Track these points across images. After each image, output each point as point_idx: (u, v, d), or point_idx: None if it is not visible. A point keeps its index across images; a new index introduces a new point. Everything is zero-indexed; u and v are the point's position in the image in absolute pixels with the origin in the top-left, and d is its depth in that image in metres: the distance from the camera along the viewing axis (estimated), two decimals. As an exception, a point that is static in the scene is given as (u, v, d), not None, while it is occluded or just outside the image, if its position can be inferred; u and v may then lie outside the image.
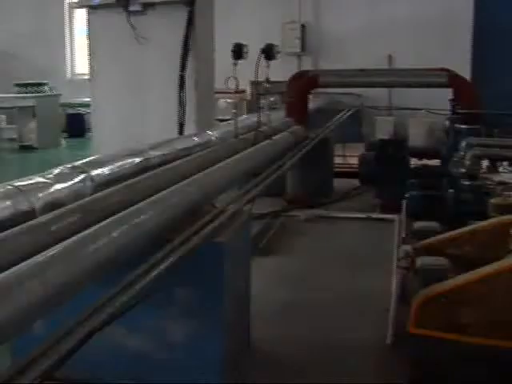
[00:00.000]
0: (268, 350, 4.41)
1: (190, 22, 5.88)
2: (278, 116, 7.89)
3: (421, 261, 3.57)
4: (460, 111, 7.73)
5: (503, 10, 14.80)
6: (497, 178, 8.68)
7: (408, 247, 3.85)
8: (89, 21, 6.36)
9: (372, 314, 4.89)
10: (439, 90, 9.20)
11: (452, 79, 8.84)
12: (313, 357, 4.33)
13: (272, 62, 6.29)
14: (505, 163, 9.60)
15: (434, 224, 4.32)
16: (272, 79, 6.50)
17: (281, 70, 9.75)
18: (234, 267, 3.98)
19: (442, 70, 9.39)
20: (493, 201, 4.33)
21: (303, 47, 15.23)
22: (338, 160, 9.94)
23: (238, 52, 5.70)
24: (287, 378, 4.06)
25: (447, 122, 8.20)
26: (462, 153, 6.06)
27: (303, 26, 15.17)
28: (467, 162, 5.71)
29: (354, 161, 8.74)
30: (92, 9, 6.26)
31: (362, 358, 4.31)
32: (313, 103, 10.20)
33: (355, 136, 12.41)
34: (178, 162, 4.46)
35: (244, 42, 5.77)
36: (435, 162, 8.34)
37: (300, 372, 4.13)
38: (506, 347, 3.45)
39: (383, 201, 8.00)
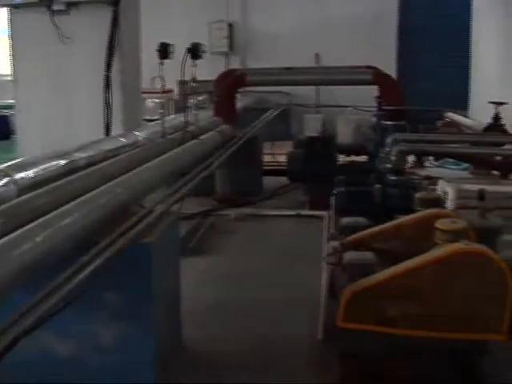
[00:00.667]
0: (200, 350, 4.40)
1: (115, 21, 5.83)
2: (206, 115, 7.89)
3: (348, 256, 3.61)
4: (385, 108, 7.85)
5: (426, 10, 15.17)
6: (423, 172, 8.90)
7: (336, 243, 3.89)
8: (11, 20, 6.23)
9: (304, 310, 4.93)
10: (366, 87, 9.35)
11: (377, 77, 8.99)
12: (245, 355, 4.34)
13: (200, 62, 6.28)
14: (430, 158, 9.86)
15: (360, 219, 4.37)
16: (200, 78, 6.50)
17: (209, 70, 9.77)
18: (163, 268, 3.96)
19: (368, 67, 9.55)
20: (418, 195, 4.41)
21: (231, 46, 15.23)
22: (267, 158, 9.99)
23: (164, 51, 5.68)
24: (220, 377, 4.06)
25: (374, 119, 8.33)
26: (388, 149, 6.15)
27: (231, 26, 15.17)
28: (393, 158, 5.79)
29: (283, 159, 8.79)
30: (14, 8, 6.14)
31: (293, 355, 4.34)
32: (241, 102, 10.23)
33: (284, 134, 12.50)
34: (105, 163, 4.42)
35: (171, 42, 5.75)
36: (363, 159, 8.47)
37: (232, 370, 4.14)
38: (433, 338, 3.53)
39: (312, 198, 8.07)
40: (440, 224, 3.54)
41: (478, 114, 12.43)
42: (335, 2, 14.82)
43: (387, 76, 8.98)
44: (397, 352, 3.69)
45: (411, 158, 9.15)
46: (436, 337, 3.52)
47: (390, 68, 13.19)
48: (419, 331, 3.51)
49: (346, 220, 4.41)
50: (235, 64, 14.58)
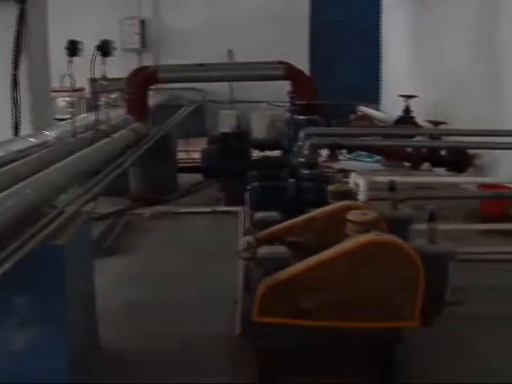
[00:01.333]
0: (117, 350, 4.34)
1: (22, 19, 5.67)
2: (119, 114, 7.78)
3: (262, 251, 3.63)
4: (298, 103, 7.92)
5: (338, 6, 15.37)
6: (337, 165, 9.04)
7: (250, 238, 3.90)
8: None
9: (222, 306, 4.92)
10: (280, 82, 9.42)
11: (289, 72, 9.07)
12: (163, 353, 4.30)
13: (112, 59, 6.19)
14: (344, 151, 10.00)
15: (274, 214, 4.40)
16: (112, 76, 6.40)
17: (121, 67, 9.64)
18: (76, 269, 3.88)
19: (280, 63, 9.60)
20: (330, 188, 4.47)
21: (143, 43, 15.07)
22: (181, 155, 9.93)
23: (73, 49, 5.56)
24: (137, 376, 4.01)
25: (287, 114, 8.41)
26: (301, 143, 6.21)
27: (143, 22, 15.01)
28: (306, 152, 5.85)
29: (198, 156, 8.75)
30: None
31: (211, 351, 4.33)
32: (154, 99, 10.15)
33: (199, 131, 12.48)
34: (15, 164, 4.30)
35: (82, 39, 5.63)
36: (277, 153, 8.53)
37: (149, 369, 4.10)
38: (348, 328, 3.58)
39: (227, 194, 8.06)
40: (351, 216, 3.60)
41: (390, 108, 12.70)
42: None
43: (299, 71, 9.07)
44: (313, 344, 3.74)
45: (325, 152, 9.27)
46: (351, 327, 3.57)
47: (303, 63, 13.34)
48: (334, 322, 3.55)
49: (259, 215, 4.42)
50: (148, 61, 14.44)
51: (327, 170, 7.15)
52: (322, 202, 4.57)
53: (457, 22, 9.90)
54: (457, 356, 4.23)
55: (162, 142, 7.59)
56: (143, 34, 15.08)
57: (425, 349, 4.19)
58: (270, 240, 4.05)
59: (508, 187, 7.35)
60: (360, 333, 3.61)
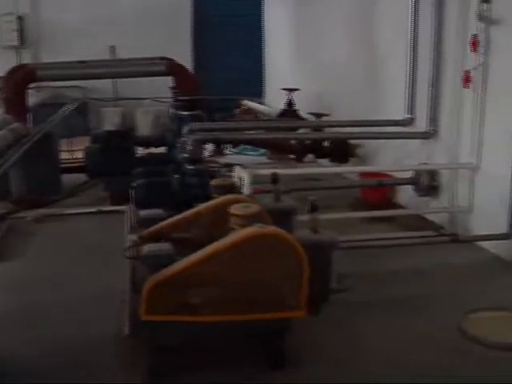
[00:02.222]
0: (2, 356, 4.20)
1: None
2: (-4, 114, 7.52)
3: (146, 248, 3.59)
4: (181, 98, 7.88)
5: (220, 1, 15.41)
6: (223, 160, 9.06)
7: (134, 236, 3.86)
8: None
9: (110, 306, 4.83)
10: (165, 78, 9.34)
11: (172, 67, 9.02)
12: (52, 357, 4.20)
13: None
14: (229, 145, 10.05)
15: (158, 211, 4.37)
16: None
17: (-1, 65, 9.33)
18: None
19: (162, 58, 9.53)
20: (213, 182, 4.47)
21: (22, 40, 14.59)
22: (64, 155, 9.68)
23: None
24: (27, 379, 3.90)
25: (171, 110, 8.35)
26: (185, 138, 6.19)
27: (20, 18, 14.53)
28: (189, 147, 5.84)
29: (82, 155, 8.55)
30: None
31: (100, 352, 4.25)
32: (35, 98, 9.86)
33: (82, 129, 12.19)
34: None
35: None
36: (162, 150, 8.46)
37: (38, 375, 3.99)
38: (236, 321, 3.60)
39: (112, 193, 7.92)
40: (234, 209, 3.62)
41: (273, 101, 12.85)
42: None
43: (181, 66, 9.03)
44: (203, 339, 3.74)
45: (211, 147, 9.29)
46: (239, 320, 3.59)
47: (187, 58, 13.31)
48: (222, 316, 3.56)
49: (144, 212, 4.38)
50: (27, 58, 14.01)
51: (212, 164, 7.15)
52: (207, 197, 4.57)
53: (336, 15, 10.12)
54: (343, 341, 4.34)
55: (43, 141, 7.35)
56: (21, 30, 14.61)
57: (313, 336, 4.27)
58: (156, 237, 4.02)
59: (388, 175, 7.60)
60: (249, 325, 3.63)
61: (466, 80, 6.25)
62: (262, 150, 10.39)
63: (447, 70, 6.74)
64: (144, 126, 12.97)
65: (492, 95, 6.06)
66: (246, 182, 5.14)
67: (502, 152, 5.84)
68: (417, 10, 7.18)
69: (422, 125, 7.14)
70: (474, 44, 6.08)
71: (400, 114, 7.44)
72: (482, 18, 5.98)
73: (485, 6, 5.95)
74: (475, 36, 6.07)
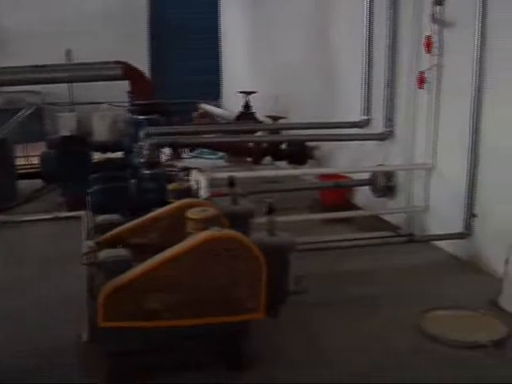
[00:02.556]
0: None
1: None
2: None
3: (102, 254, 3.56)
4: (137, 102, 7.82)
5: (176, 3, 15.37)
6: (181, 164, 9.03)
7: (91, 242, 3.82)
8: None
9: (70, 313, 4.77)
10: (121, 82, 9.26)
11: (127, 71, 8.92)
12: (8, 365, 4.13)
13: None
14: (187, 149, 10.02)
15: (115, 216, 4.33)
16: None
17: None
18: None
19: (118, 62, 9.44)
20: (170, 187, 4.45)
21: (-26, 44, 14.39)
22: (20, 161, 9.55)
23: None
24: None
25: (128, 114, 8.28)
26: (141, 143, 6.15)
27: (-29, 22, 14.32)
28: (146, 152, 5.81)
29: (38, 160, 8.44)
30: None
31: (59, 359, 4.19)
32: (-12, 104, 9.73)
33: (38, 135, 12.04)
34: None
35: None
36: (119, 155, 8.39)
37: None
38: (195, 325, 3.58)
39: (69, 198, 7.83)
40: (191, 214, 3.60)
41: (231, 104, 12.85)
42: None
43: (136, 70, 8.94)
44: (163, 343, 3.71)
45: (169, 151, 9.25)
46: (199, 324, 3.58)
47: (144, 62, 13.26)
48: (181, 321, 3.55)
49: (100, 218, 4.34)
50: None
51: (170, 168, 7.11)
52: (164, 202, 4.55)
53: (292, 17, 10.15)
54: (301, 342, 4.35)
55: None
56: (-28, 34, 14.39)
57: (271, 337, 4.27)
58: (113, 243, 3.99)
59: (345, 176, 7.65)
60: (208, 328, 3.62)
61: (421, 81, 6.32)
62: (220, 154, 10.38)
63: (402, 72, 6.81)
64: (100, 130, 12.79)
65: (446, 95, 6.14)
66: (202, 185, 5.13)
67: (457, 152, 5.91)
68: (372, 12, 7.25)
69: (378, 126, 7.21)
70: (428, 45, 6.15)
71: (357, 115, 7.49)
72: (435, 20, 6.06)
73: (438, 8, 6.03)
74: (429, 37, 6.14)
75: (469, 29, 5.61)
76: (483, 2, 5.48)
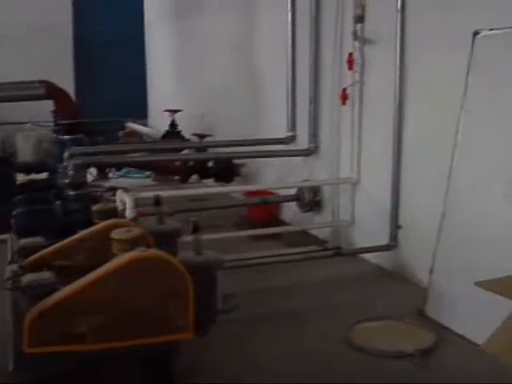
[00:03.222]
0: None
1: None
2: None
3: (25, 279, 3.48)
4: (61, 122, 7.73)
5: (101, 22, 15.29)
6: (107, 183, 8.93)
7: (14, 266, 3.74)
8: None
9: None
10: (46, 101, 9.12)
11: (51, 91, 8.80)
12: None
13: None
14: (113, 169, 9.92)
15: (39, 239, 4.25)
16: None
17: None
18: None
19: (41, 82, 9.31)
20: (94, 208, 4.40)
21: None
22: None
23: None
24: None
25: (53, 134, 8.16)
26: (66, 163, 6.08)
27: None
28: (71, 172, 5.73)
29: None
30: None
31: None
32: None
33: (-41, 156, 11.76)
34: None
35: None
36: (44, 175, 8.24)
37: None
38: (123, 347, 3.54)
39: (-8, 221, 7.66)
40: (115, 234, 3.57)
41: (157, 123, 12.82)
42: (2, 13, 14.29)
43: (60, 90, 8.83)
44: (90, 367, 3.65)
45: (95, 171, 9.14)
46: (127, 345, 3.54)
47: (69, 80, 13.11)
48: (109, 343, 3.50)
49: (24, 241, 4.25)
50: None
51: (96, 188, 7.02)
52: (89, 223, 4.49)
53: (217, 35, 10.22)
54: (232, 358, 4.38)
55: None
56: None
57: (202, 355, 4.27)
58: (37, 266, 3.91)
59: (272, 193, 7.72)
60: (137, 349, 3.59)
61: (344, 97, 6.44)
62: (147, 173, 10.33)
63: (326, 88, 6.93)
64: (24, 151, 12.58)
65: (368, 111, 6.28)
66: (128, 205, 5.09)
67: (381, 166, 6.04)
68: (295, 30, 7.37)
69: (303, 142, 7.30)
70: (350, 62, 6.29)
71: (282, 132, 7.57)
72: (356, 37, 6.19)
73: (359, 26, 6.17)
74: (351, 55, 6.28)
75: (389, 45, 5.77)
76: (402, 20, 5.64)
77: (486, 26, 4.67)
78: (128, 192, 5.45)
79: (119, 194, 5.34)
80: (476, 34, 4.74)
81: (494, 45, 4.65)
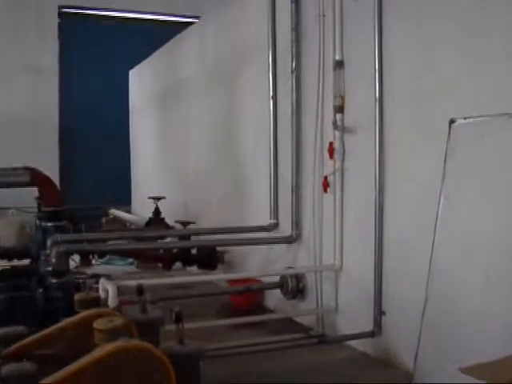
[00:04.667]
0: None
1: None
2: None
3: (5, 369, 3.43)
4: (45, 209, 7.76)
5: (86, 110, 15.55)
6: (90, 270, 8.89)
7: (-6, 356, 3.68)
8: None
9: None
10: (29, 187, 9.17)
11: (35, 178, 8.86)
12: None
13: None
14: (96, 256, 9.89)
15: (20, 328, 4.20)
16: None
17: None
18: None
19: (26, 168, 9.37)
20: (76, 297, 4.37)
21: None
22: None
23: None
24: None
25: (36, 221, 8.18)
26: (49, 251, 6.07)
27: None
28: (53, 260, 5.73)
29: None
30: None
31: None
32: None
33: None
34: None
35: None
36: (26, 262, 8.20)
37: None
38: None
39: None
40: (97, 324, 3.54)
41: (141, 209, 12.86)
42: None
43: (45, 177, 8.90)
44: None
45: (78, 257, 9.12)
46: None
47: (54, 166, 13.21)
48: None
49: (4, 330, 4.20)
50: None
51: (79, 276, 7.00)
52: (72, 311, 4.46)
53: (200, 123, 10.40)
54: None
55: None
56: None
57: None
58: (18, 356, 3.85)
59: (256, 280, 7.70)
60: None
61: (325, 185, 6.53)
62: (130, 259, 10.30)
63: (308, 177, 7.01)
64: (7, 236, 12.55)
65: (350, 198, 6.36)
66: (111, 294, 5.06)
67: (363, 252, 6.08)
68: (276, 120, 7.51)
69: (286, 229, 7.34)
70: (331, 151, 6.41)
71: (265, 219, 7.62)
72: (337, 126, 6.33)
73: (339, 115, 6.32)
74: (331, 144, 6.40)
75: (368, 134, 5.90)
76: (380, 108, 5.79)
77: (462, 115, 4.81)
78: (111, 280, 5.43)
79: (102, 282, 5.32)
80: (452, 122, 4.87)
81: (469, 133, 4.78)
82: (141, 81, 14.50)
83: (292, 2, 7.11)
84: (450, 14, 5.09)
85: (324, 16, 6.59)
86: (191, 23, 12.28)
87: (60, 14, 15.63)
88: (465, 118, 4.80)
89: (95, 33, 15.91)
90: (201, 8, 13.39)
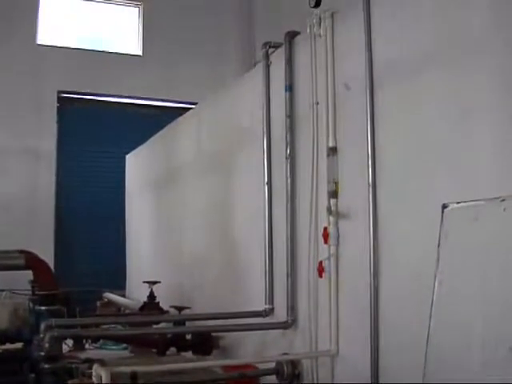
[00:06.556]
0: None
1: None
2: None
3: None
4: (38, 293, 7.74)
5: (83, 192, 15.63)
6: (83, 355, 8.78)
7: None
8: None
9: None
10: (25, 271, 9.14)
11: (30, 261, 8.85)
12: None
13: None
14: (90, 340, 9.78)
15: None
16: None
17: None
18: None
19: (21, 251, 9.36)
20: (70, 383, 4.35)
21: None
22: None
23: None
24: None
25: (30, 304, 8.13)
26: (42, 335, 6.03)
27: None
28: (47, 345, 5.68)
29: None
30: None
31: None
32: None
33: None
34: None
35: None
36: (18, 346, 8.10)
37: None
38: None
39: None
40: (91, 410, 3.52)
41: (136, 293, 12.78)
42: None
43: (40, 260, 8.90)
44: None
45: (71, 342, 9.02)
46: None
47: (49, 250, 13.19)
48: None
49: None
50: None
51: (72, 360, 6.92)
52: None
53: (195, 208, 10.45)
54: None
55: None
56: None
57: None
58: None
59: (252, 366, 7.60)
60: None
61: (320, 270, 6.53)
62: (124, 344, 10.18)
63: (302, 262, 7.01)
64: (0, 318, 12.40)
65: (345, 283, 6.34)
66: (104, 380, 5.00)
67: (358, 336, 6.02)
68: (271, 205, 7.57)
69: (281, 314, 7.29)
70: (326, 236, 6.44)
71: (260, 304, 7.57)
72: (331, 212, 6.37)
73: (333, 201, 6.38)
74: (326, 229, 6.44)
75: (362, 218, 5.95)
76: (373, 193, 5.86)
77: (454, 199, 4.86)
78: (104, 366, 5.37)
79: (95, 369, 5.26)
80: (445, 207, 4.92)
81: (462, 217, 4.81)
82: (137, 166, 14.63)
83: (286, 90, 7.28)
84: (442, 97, 5.21)
85: (318, 104, 6.73)
86: (188, 109, 12.47)
87: (59, 99, 15.88)
88: (457, 203, 4.85)
89: (93, 117, 16.14)
90: (199, 94, 13.64)
